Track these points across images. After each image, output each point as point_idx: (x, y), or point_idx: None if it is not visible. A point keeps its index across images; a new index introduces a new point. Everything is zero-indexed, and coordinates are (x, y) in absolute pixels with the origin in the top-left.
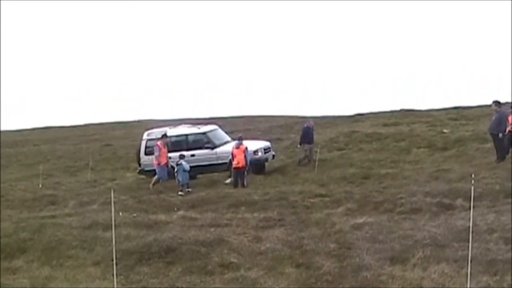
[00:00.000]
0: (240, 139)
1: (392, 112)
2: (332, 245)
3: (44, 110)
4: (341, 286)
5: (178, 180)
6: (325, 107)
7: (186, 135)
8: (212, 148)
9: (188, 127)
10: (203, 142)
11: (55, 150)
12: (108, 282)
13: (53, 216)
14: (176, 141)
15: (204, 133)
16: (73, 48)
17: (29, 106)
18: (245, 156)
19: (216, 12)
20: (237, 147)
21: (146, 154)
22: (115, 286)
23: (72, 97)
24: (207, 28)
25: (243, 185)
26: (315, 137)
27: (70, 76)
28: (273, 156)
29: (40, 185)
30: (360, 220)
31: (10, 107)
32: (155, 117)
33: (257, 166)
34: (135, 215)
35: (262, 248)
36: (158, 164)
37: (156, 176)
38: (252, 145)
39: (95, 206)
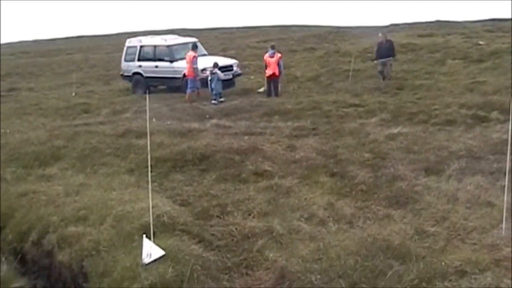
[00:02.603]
0: (273, 47)
1: (427, 23)
2: (366, 155)
3: (77, 20)
4: (375, 195)
5: (211, 88)
6: (360, 18)
7: (154, 46)
8: (171, 62)
9: (167, 37)
10: (165, 54)
11: (88, 59)
12: (142, 189)
13: (87, 124)
14: (146, 51)
15: (168, 46)
16: None
17: (61, 15)
18: (278, 65)
19: None
20: (271, 56)
21: (125, 60)
22: (150, 192)
23: (104, 6)
24: None
25: (276, 94)
26: (350, 47)
27: None
28: (233, 75)
29: (73, 94)
30: (395, 131)
31: (43, 16)
32: (187, 26)
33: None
34: (168, 122)
35: (296, 156)
36: (194, 77)
37: (189, 90)
38: (203, 62)
39: (128, 114)
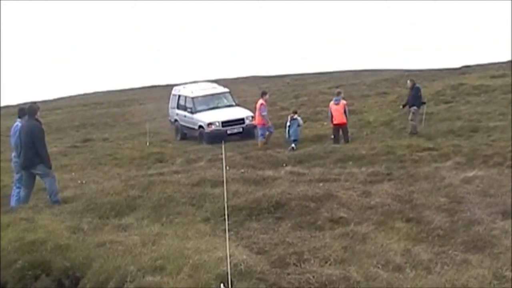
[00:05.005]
0: (339, 94)
1: (499, 63)
2: (442, 199)
3: (149, 69)
4: (452, 240)
5: (288, 134)
6: (431, 60)
7: (185, 96)
8: (192, 113)
9: (198, 87)
10: (190, 105)
11: (161, 108)
12: (218, 238)
13: (161, 174)
14: (181, 101)
15: (192, 98)
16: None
17: (133, 66)
18: (344, 112)
19: None
20: (336, 103)
21: (171, 108)
22: (228, 241)
23: (174, 55)
24: None
25: (346, 141)
26: (422, 90)
27: (172, 34)
28: (243, 129)
29: (147, 143)
30: (470, 174)
31: (115, 67)
32: (261, 73)
33: (214, 138)
34: (242, 171)
35: (372, 202)
36: (264, 124)
37: (260, 137)
38: (210, 116)
39: (202, 163)
